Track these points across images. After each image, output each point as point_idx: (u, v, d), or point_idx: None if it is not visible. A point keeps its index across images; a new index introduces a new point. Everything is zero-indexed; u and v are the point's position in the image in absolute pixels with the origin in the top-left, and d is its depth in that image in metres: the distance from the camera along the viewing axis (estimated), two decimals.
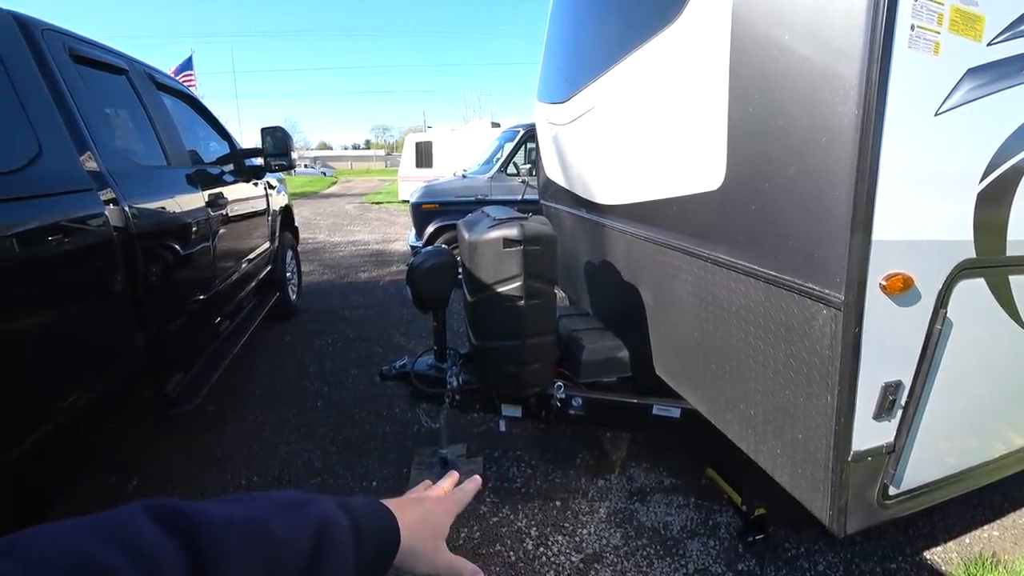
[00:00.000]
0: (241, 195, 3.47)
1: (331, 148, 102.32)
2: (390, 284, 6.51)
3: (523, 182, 6.18)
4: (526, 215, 2.15)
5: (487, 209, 2.39)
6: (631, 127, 2.14)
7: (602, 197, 2.51)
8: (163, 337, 2.32)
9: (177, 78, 14.26)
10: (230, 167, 3.54)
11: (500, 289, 2.02)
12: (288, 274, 4.91)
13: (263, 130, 3.62)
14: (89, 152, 1.93)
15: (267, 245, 4.12)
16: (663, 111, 1.88)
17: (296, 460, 2.82)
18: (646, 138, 2.02)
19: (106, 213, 1.90)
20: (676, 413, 2.20)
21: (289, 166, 3.64)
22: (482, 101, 40.95)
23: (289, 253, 4.98)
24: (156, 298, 2.24)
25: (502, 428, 2.50)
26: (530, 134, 6.38)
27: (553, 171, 3.31)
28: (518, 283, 2.00)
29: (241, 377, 3.75)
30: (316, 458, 2.84)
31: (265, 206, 4.03)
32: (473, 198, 6.20)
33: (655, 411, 2.21)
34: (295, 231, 5.40)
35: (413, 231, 6.65)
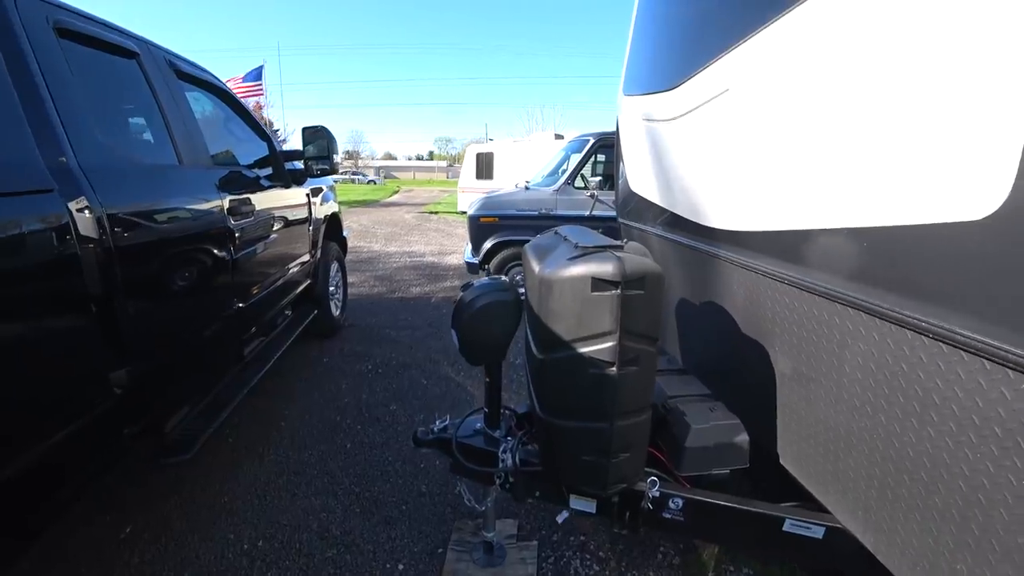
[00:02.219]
0: (275, 202, 3.05)
1: (395, 158, 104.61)
2: (442, 302, 6.03)
3: (592, 196, 5.58)
4: (620, 242, 1.57)
5: (563, 230, 1.82)
6: (796, 118, 1.43)
7: (721, 219, 1.86)
8: (157, 370, 1.87)
9: (245, 87, 14.48)
10: (266, 171, 3.13)
11: (583, 349, 1.44)
12: (332, 288, 4.50)
13: (304, 130, 3.20)
14: (57, 144, 1.50)
15: (307, 257, 3.70)
16: (877, 91, 1.16)
17: (312, 522, 2.32)
18: (829, 135, 1.31)
19: (71, 220, 1.46)
20: (819, 532, 1.54)
21: (331, 170, 3.21)
22: (545, 113, 40.52)
23: (334, 265, 4.57)
24: (146, 324, 1.79)
25: (562, 518, 1.91)
26: (602, 144, 5.79)
27: (641, 182, 2.69)
28: (610, 343, 1.41)
29: (267, 404, 3.32)
30: (335, 521, 2.32)
31: (306, 214, 3.61)
32: (536, 212, 5.66)
33: (788, 526, 1.56)
34: (343, 241, 5.01)
35: (469, 245, 6.16)
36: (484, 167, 14.48)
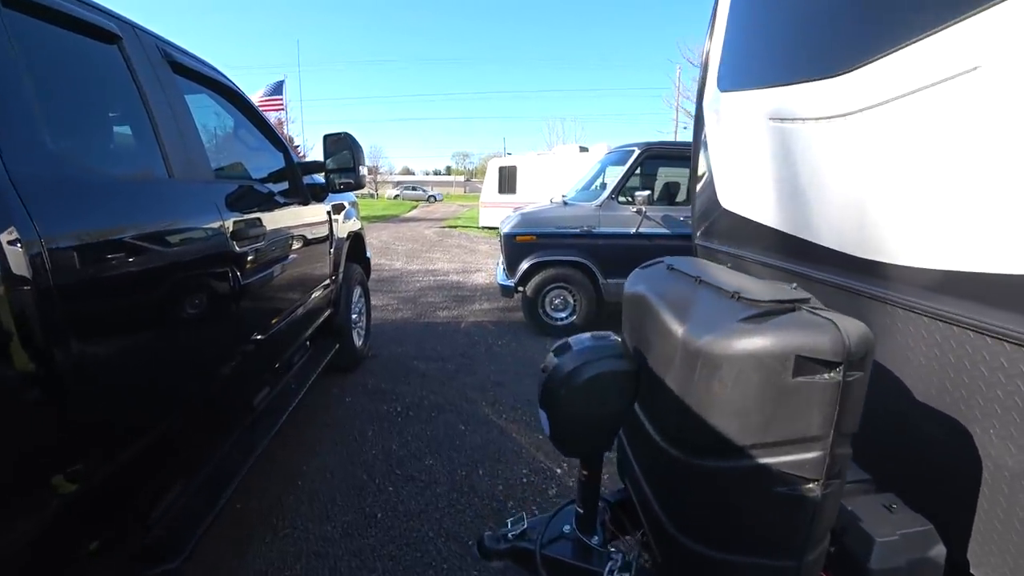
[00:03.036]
0: (292, 221, 2.59)
1: (413, 173, 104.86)
2: (472, 328, 5.53)
3: (638, 212, 5.07)
4: (804, 293, 1.05)
5: (687, 265, 1.33)
6: None
7: (909, 253, 1.30)
8: (132, 454, 1.40)
9: (265, 100, 14.27)
10: (282, 186, 2.67)
11: (768, 459, 0.92)
12: (355, 315, 4.02)
13: (325, 138, 2.75)
14: None
15: (327, 283, 3.23)
16: None
17: None
18: None
19: None
20: None
21: (356, 184, 2.74)
22: (566, 127, 40.01)
23: (357, 290, 4.10)
24: (113, 396, 1.31)
25: None
26: (648, 154, 5.28)
27: (743, 198, 2.17)
28: (816, 452, 0.89)
29: (282, 454, 2.83)
30: None
31: (327, 233, 3.15)
32: (578, 230, 5.15)
33: None
34: (366, 263, 4.54)
35: (502, 266, 5.67)
36: (507, 181, 14.08)
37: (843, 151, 1.54)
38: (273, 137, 2.76)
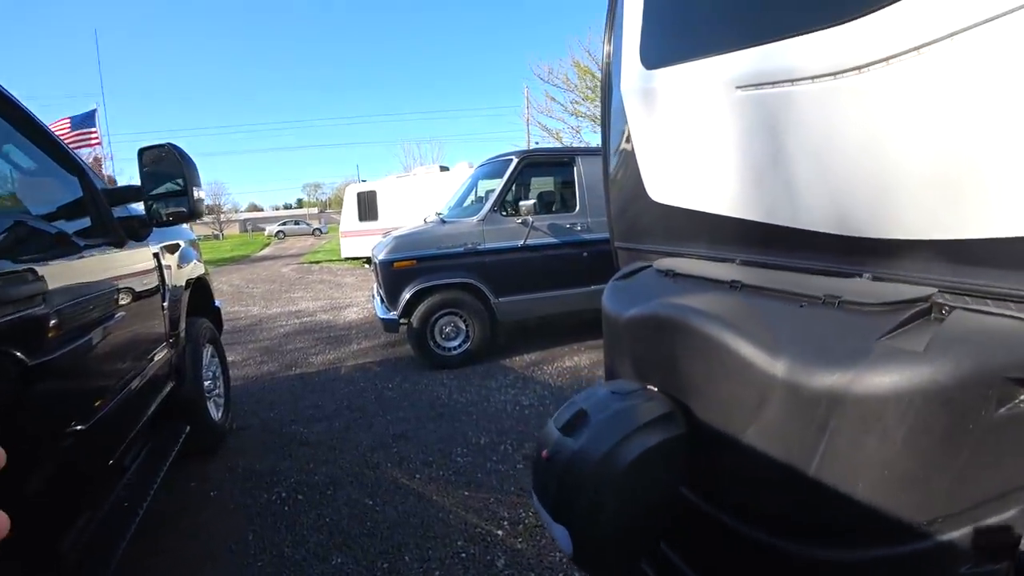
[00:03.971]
0: (100, 269, 1.84)
1: (261, 209, 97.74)
2: (355, 373, 4.83)
3: (524, 223, 4.76)
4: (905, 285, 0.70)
5: (668, 265, 1.01)
6: None
7: (934, 225, 1.00)
8: None
9: (75, 135, 12.08)
10: (79, 222, 1.92)
11: (954, 533, 0.57)
12: (207, 382, 3.20)
13: (141, 152, 2.02)
14: None
15: (164, 348, 2.45)
16: None
17: None
18: None
19: None
20: None
21: (191, 214, 2.05)
22: (423, 149, 39.60)
23: (208, 350, 3.28)
24: None
25: None
26: (527, 163, 5.01)
27: (689, 189, 1.85)
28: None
29: None
30: None
31: (156, 283, 2.37)
32: (462, 249, 4.70)
33: None
34: (216, 314, 3.71)
35: (380, 298, 5.04)
36: (367, 207, 13.28)
37: (857, 112, 1.25)
38: (61, 155, 1.98)
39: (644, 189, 2.07)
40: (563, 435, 0.93)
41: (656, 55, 1.93)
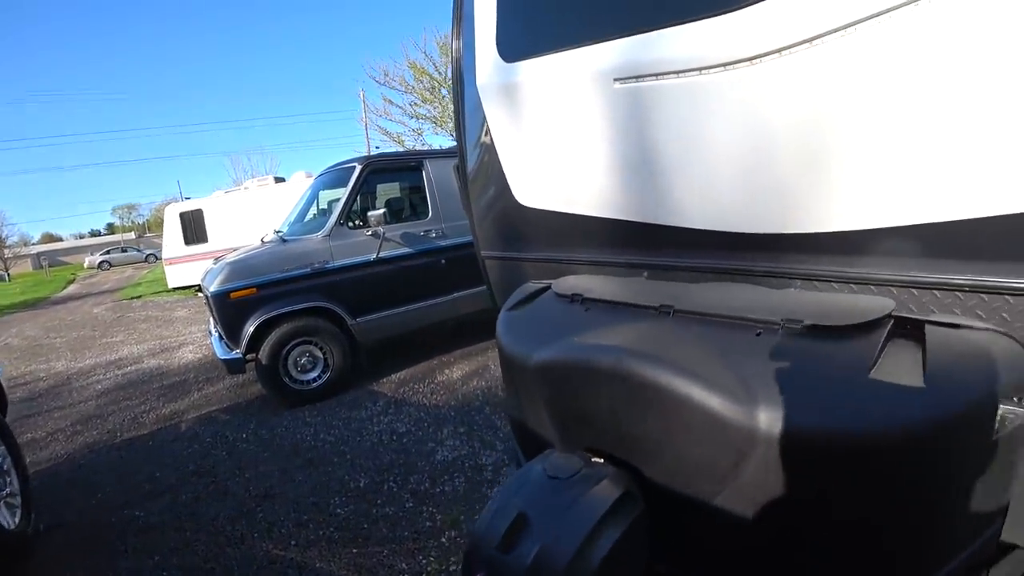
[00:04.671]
0: None
1: (61, 239, 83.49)
2: (199, 426, 4.19)
3: (376, 235, 4.44)
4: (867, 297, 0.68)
5: (571, 287, 1.03)
6: None
7: (820, 219, 1.00)
8: None
9: None
10: None
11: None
12: None
13: None
14: None
15: None
16: None
17: None
18: None
19: None
20: None
21: None
22: (254, 160, 36.39)
23: None
24: None
25: None
26: (372, 169, 4.68)
27: (566, 191, 1.71)
28: None
29: None
30: None
31: None
32: (309, 269, 4.27)
33: None
34: None
35: (218, 335, 4.42)
36: (193, 228, 11.88)
37: (747, 106, 1.18)
38: None
39: (510, 192, 1.92)
40: (502, 554, 0.74)
41: (517, 46, 1.78)
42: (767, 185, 1.16)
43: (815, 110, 1.03)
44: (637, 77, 1.45)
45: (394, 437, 3.53)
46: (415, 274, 4.71)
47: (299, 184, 10.42)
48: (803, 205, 1.11)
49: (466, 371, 4.68)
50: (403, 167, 5.05)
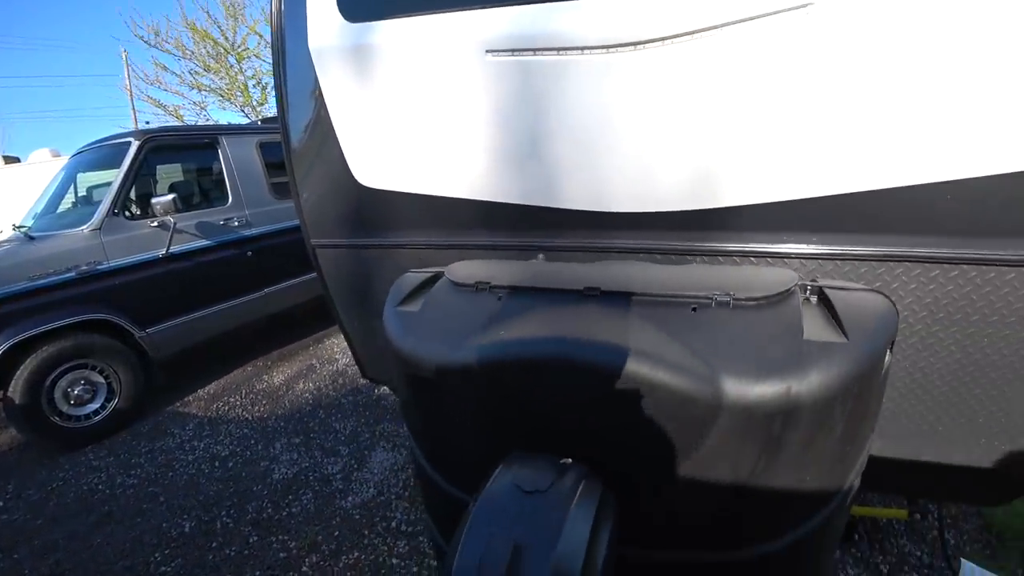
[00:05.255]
0: None
1: None
2: None
3: (164, 225, 3.69)
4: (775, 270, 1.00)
5: (472, 272, 1.13)
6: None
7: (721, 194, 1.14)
8: None
9: None
10: None
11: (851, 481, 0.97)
12: None
13: None
14: None
15: None
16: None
17: None
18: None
19: None
20: None
21: None
22: None
23: None
24: None
25: None
26: (154, 145, 3.85)
27: (421, 171, 1.51)
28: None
29: None
30: None
31: None
32: (74, 273, 3.37)
33: None
34: None
35: None
36: None
37: (631, 88, 1.19)
38: None
39: (348, 172, 1.69)
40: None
41: (365, 4, 1.52)
42: (654, 166, 1.22)
43: (701, 96, 1.13)
44: (514, 51, 1.37)
45: (216, 464, 3.01)
46: (217, 270, 4.04)
47: (44, 166, 8.29)
48: (690, 183, 1.20)
49: (289, 374, 4.20)
50: (193, 144, 4.23)
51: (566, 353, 0.89)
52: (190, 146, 4.24)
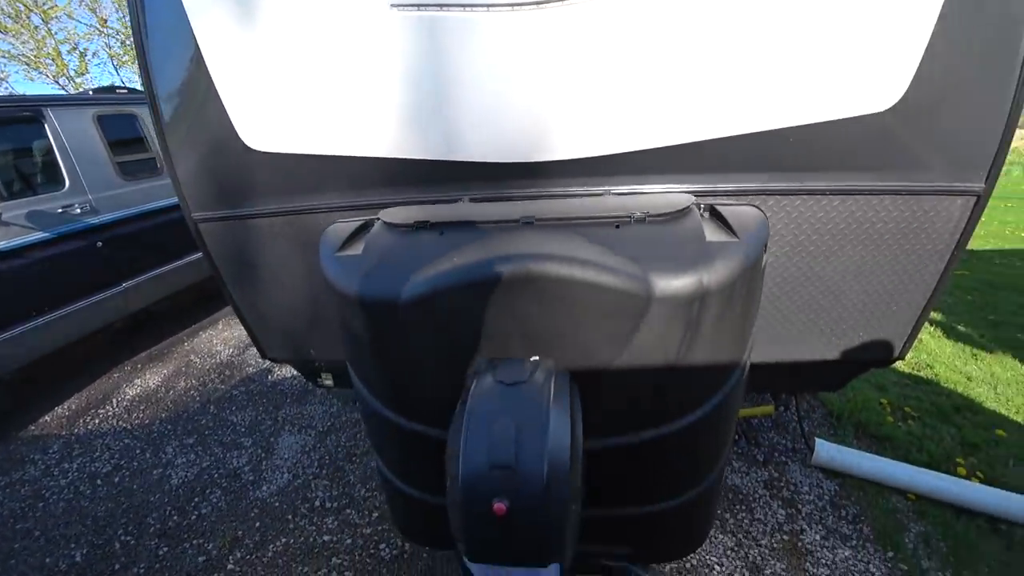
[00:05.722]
0: None
1: None
2: None
3: None
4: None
5: (409, 215, 1.20)
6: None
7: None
8: None
9: None
10: None
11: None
12: None
13: None
14: None
15: None
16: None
17: None
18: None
19: None
20: None
21: None
22: None
23: None
24: None
25: None
26: None
27: (321, 129, 1.45)
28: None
29: None
30: None
31: None
32: None
33: None
34: None
35: None
36: None
37: (535, 44, 1.29)
38: None
39: (236, 135, 1.58)
40: (514, 470, 0.84)
41: None
42: (551, 118, 1.33)
43: (596, 52, 1.26)
44: (419, 6, 1.38)
45: (98, 482, 2.72)
46: (59, 267, 3.49)
47: None
48: (586, 133, 1.33)
49: (166, 374, 3.85)
50: (9, 119, 3.57)
51: (524, 268, 1.01)
52: (4, 120, 3.55)
